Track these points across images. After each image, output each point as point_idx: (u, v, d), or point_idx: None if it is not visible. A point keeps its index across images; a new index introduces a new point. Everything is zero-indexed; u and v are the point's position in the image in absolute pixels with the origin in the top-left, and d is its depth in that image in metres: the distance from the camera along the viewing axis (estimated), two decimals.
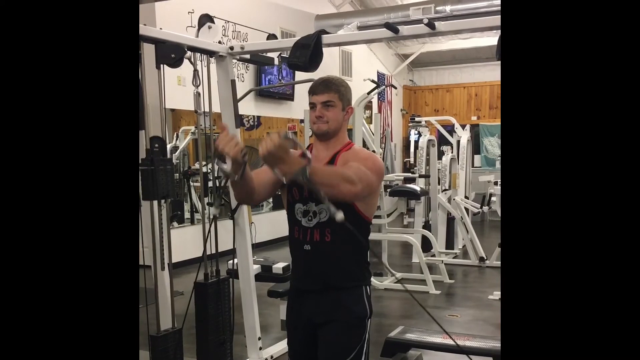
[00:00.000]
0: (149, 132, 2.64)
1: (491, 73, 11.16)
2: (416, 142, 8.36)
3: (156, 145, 2.59)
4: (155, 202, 2.60)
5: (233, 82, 3.09)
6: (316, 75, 2.17)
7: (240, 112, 3.23)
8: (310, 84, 1.93)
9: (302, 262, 1.93)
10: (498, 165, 10.75)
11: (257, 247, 6.89)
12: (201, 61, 2.96)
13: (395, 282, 5.46)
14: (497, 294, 4.96)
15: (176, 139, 7.00)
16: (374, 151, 6.09)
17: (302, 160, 1.56)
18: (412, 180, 6.55)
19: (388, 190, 6.05)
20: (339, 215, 1.53)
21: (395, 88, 10.81)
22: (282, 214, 2.03)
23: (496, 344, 2.57)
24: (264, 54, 3.33)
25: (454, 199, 6.70)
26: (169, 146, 6.38)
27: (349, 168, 1.74)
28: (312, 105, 1.89)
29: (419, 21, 2.62)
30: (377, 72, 10.59)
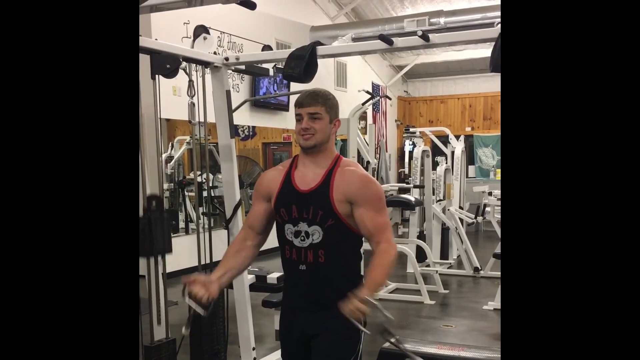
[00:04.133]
0: (144, 144, 2.64)
1: (485, 84, 11.22)
2: (411, 152, 8.38)
3: (154, 202, 2.62)
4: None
5: (228, 93, 3.10)
6: (311, 86, 2.18)
7: (235, 122, 3.24)
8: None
9: (297, 281, 1.91)
10: (492, 175, 10.79)
11: None
12: (196, 72, 2.97)
13: (390, 292, 5.45)
14: (491, 304, 4.96)
15: (171, 149, 7.01)
16: (368, 162, 6.11)
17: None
18: (407, 191, 6.57)
19: None
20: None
21: (390, 99, 10.85)
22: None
23: (491, 355, 2.56)
24: (259, 65, 3.35)
25: (448, 210, 6.71)
26: (163, 156, 6.37)
27: (379, 234, 1.83)
28: (299, 117, 1.85)
29: (413, 33, 2.64)
30: (372, 83, 10.63)
